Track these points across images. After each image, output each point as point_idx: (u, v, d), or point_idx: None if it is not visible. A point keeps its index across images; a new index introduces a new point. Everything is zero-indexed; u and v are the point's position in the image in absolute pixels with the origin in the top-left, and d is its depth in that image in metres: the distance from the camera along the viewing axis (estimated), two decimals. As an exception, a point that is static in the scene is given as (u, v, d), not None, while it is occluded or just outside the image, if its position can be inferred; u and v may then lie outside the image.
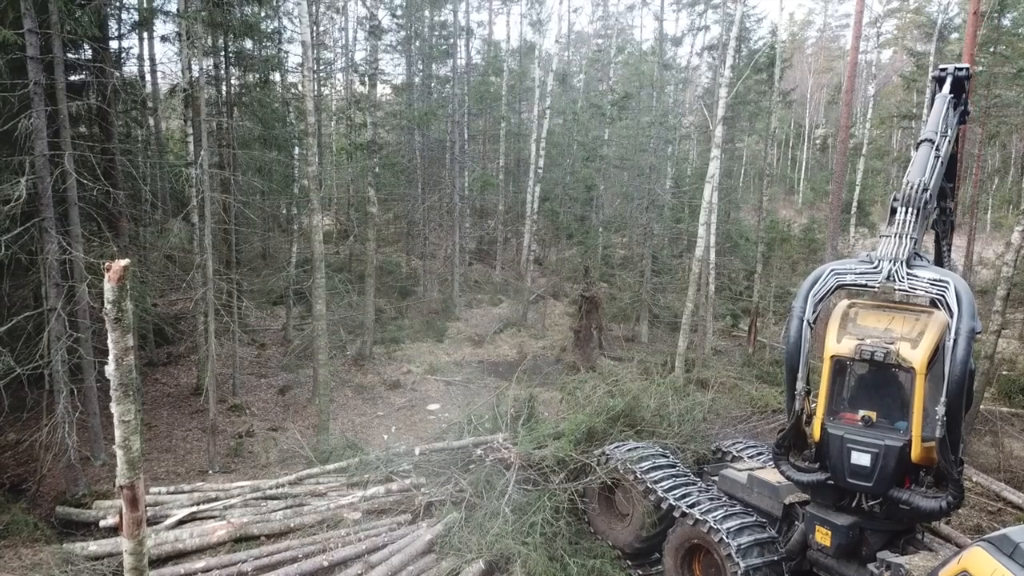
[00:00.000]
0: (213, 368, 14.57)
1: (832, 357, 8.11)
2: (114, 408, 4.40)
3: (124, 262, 4.25)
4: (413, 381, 20.10)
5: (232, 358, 17.79)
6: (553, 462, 10.48)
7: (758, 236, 26.44)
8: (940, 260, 10.33)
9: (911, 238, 7.92)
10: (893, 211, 8.24)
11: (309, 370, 17.97)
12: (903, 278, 7.68)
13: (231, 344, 17.32)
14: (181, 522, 10.91)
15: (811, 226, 33.57)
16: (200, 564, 9.73)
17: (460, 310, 27.68)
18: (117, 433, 4.49)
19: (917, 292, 7.74)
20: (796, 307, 7.97)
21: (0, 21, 11.47)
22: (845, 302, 8.84)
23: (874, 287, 7.98)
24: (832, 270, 8.08)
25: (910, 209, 8.11)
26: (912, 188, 8.21)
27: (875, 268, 7.88)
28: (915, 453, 7.54)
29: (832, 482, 8.02)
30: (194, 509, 11.21)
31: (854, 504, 8.05)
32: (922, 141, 8.97)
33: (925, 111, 10.29)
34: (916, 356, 7.56)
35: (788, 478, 8.45)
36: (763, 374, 20.31)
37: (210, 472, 13.75)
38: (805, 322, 7.90)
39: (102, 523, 10.85)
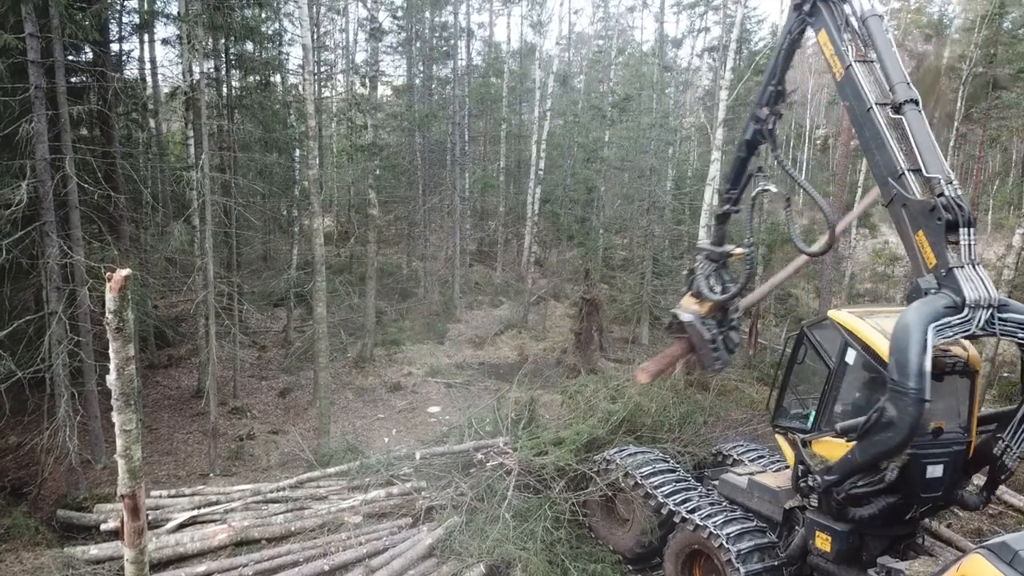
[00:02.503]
0: (214, 371, 14.58)
1: None
2: (116, 418, 4.41)
3: (126, 272, 4.25)
4: (414, 383, 20.12)
5: (233, 361, 17.81)
6: (553, 470, 10.48)
7: (759, 238, 26.41)
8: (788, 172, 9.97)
9: (981, 265, 6.87)
10: (950, 227, 6.74)
11: (310, 372, 17.98)
12: (995, 324, 6.69)
13: (232, 347, 17.34)
14: (182, 526, 10.91)
15: (812, 227, 33.53)
16: (201, 568, 9.73)
17: (461, 312, 27.70)
18: (119, 442, 4.50)
19: (1013, 341, 6.93)
20: (911, 387, 6.29)
21: (1, 25, 11.48)
22: (847, 313, 8.13)
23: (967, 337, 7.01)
24: (934, 328, 6.48)
25: (971, 229, 6.78)
26: (959, 198, 6.82)
27: (966, 316, 6.59)
28: (971, 454, 7.57)
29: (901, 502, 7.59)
30: (195, 513, 11.21)
31: (908, 517, 7.84)
32: (905, 103, 7.36)
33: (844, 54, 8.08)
34: (979, 360, 7.54)
35: (857, 519, 7.83)
36: (764, 376, 20.30)
37: (211, 475, 13.77)
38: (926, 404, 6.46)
39: (103, 527, 10.85)
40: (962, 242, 6.73)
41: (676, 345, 10.59)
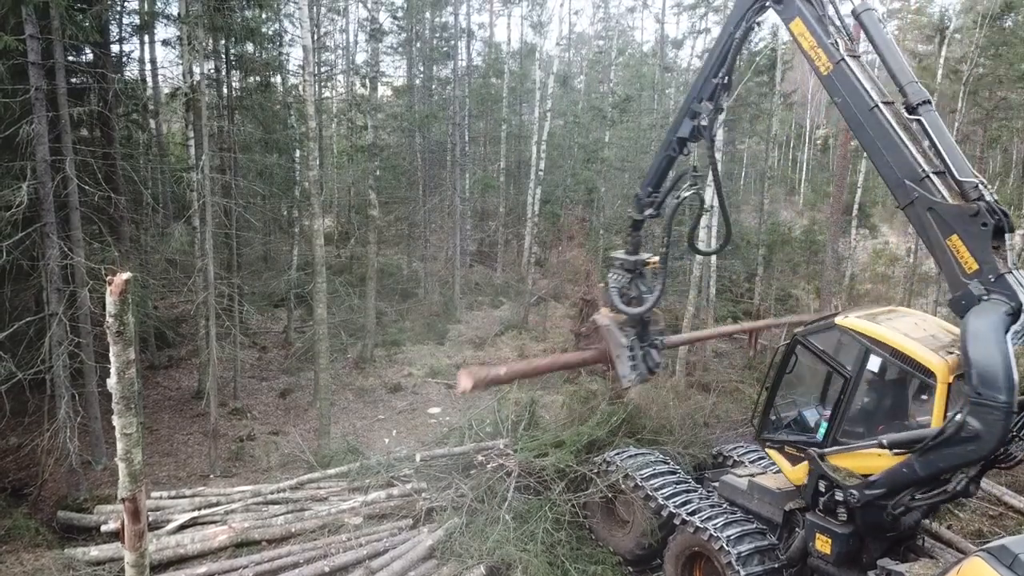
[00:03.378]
0: (214, 372, 14.60)
1: (953, 379, 6.99)
2: (116, 421, 4.42)
3: (126, 275, 4.26)
4: (414, 384, 20.12)
5: (233, 361, 17.82)
6: (553, 472, 10.49)
7: (759, 239, 26.41)
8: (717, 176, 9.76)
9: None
10: (998, 232, 6.68)
11: (310, 373, 17.99)
12: None
13: (232, 348, 17.35)
14: (182, 527, 10.91)
15: (812, 227, 33.54)
16: (202, 569, 9.74)
17: (461, 312, 27.69)
18: (119, 446, 4.51)
19: None
20: (1002, 400, 6.08)
21: (1, 27, 11.49)
22: (857, 319, 7.76)
23: None
24: (1011, 334, 6.37)
25: (1012, 234, 6.84)
26: (998, 202, 6.81)
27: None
28: None
29: None
30: (195, 514, 11.22)
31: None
32: (921, 104, 7.16)
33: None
34: None
35: (906, 527, 7.83)
36: (764, 377, 20.25)
37: (211, 476, 13.78)
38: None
39: (103, 528, 10.85)
40: (1006, 247, 6.67)
41: (582, 352, 9.91)
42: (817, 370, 8.49)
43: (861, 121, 7.41)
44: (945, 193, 6.91)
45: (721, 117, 9.41)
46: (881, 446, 7.02)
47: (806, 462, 8.12)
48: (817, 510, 8.00)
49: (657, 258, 9.66)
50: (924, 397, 7.20)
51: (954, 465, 6.70)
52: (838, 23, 7.80)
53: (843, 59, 7.42)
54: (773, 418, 8.80)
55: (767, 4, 8.05)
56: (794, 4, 7.74)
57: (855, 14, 7.69)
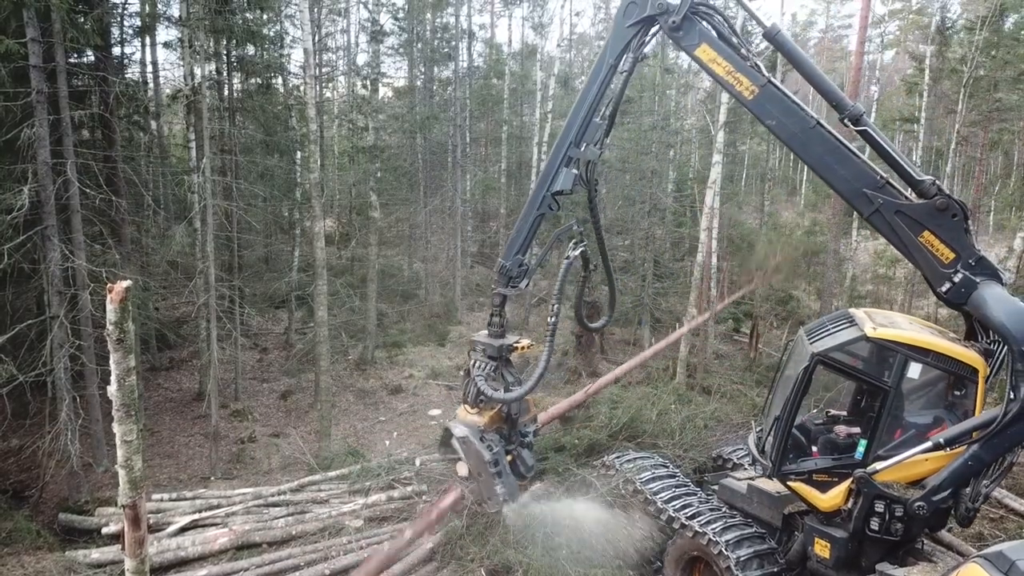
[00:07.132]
0: (215, 374, 14.62)
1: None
2: (116, 428, 4.43)
3: (126, 283, 4.27)
4: (415, 386, 20.13)
5: (234, 363, 17.84)
6: (554, 475, 10.49)
7: (766, 235, 26.39)
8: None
9: None
10: (964, 220, 7.17)
11: (311, 375, 18.01)
12: None
13: (233, 349, 17.38)
14: (183, 529, 10.93)
15: (813, 228, 33.55)
16: (202, 572, 9.75)
17: (462, 313, 27.71)
18: (119, 452, 4.52)
19: None
20: None
21: (2, 30, 11.52)
22: (888, 329, 7.57)
23: None
24: None
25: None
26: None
27: None
28: None
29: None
30: (196, 516, 11.24)
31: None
32: (862, 116, 7.26)
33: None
34: None
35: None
36: (764, 379, 20.27)
37: (212, 478, 13.81)
38: None
39: (104, 530, 10.88)
40: (971, 232, 7.05)
41: (445, 497, 8.62)
42: (840, 387, 8.43)
43: (803, 141, 7.30)
44: (907, 194, 7.14)
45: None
46: (938, 446, 7.02)
47: (842, 485, 7.82)
48: (868, 530, 7.63)
49: (527, 342, 8.80)
50: (958, 392, 7.41)
51: (1018, 442, 6.98)
52: (738, 39, 7.45)
53: (770, 81, 7.22)
54: (795, 447, 8.30)
55: (656, 32, 7.49)
56: (696, 29, 7.29)
57: (769, 36, 7.36)
